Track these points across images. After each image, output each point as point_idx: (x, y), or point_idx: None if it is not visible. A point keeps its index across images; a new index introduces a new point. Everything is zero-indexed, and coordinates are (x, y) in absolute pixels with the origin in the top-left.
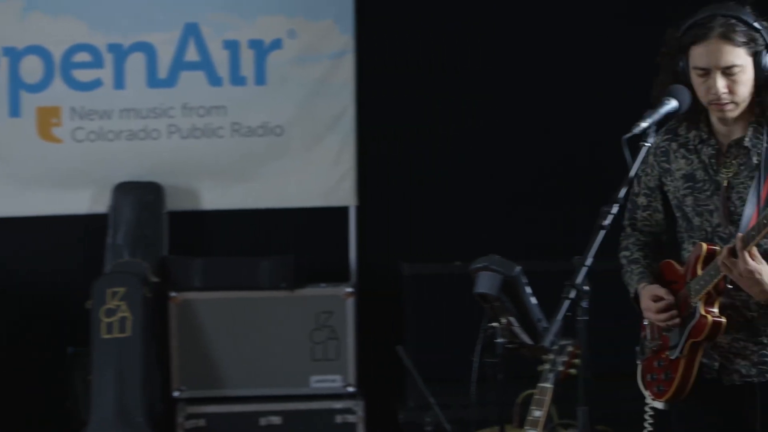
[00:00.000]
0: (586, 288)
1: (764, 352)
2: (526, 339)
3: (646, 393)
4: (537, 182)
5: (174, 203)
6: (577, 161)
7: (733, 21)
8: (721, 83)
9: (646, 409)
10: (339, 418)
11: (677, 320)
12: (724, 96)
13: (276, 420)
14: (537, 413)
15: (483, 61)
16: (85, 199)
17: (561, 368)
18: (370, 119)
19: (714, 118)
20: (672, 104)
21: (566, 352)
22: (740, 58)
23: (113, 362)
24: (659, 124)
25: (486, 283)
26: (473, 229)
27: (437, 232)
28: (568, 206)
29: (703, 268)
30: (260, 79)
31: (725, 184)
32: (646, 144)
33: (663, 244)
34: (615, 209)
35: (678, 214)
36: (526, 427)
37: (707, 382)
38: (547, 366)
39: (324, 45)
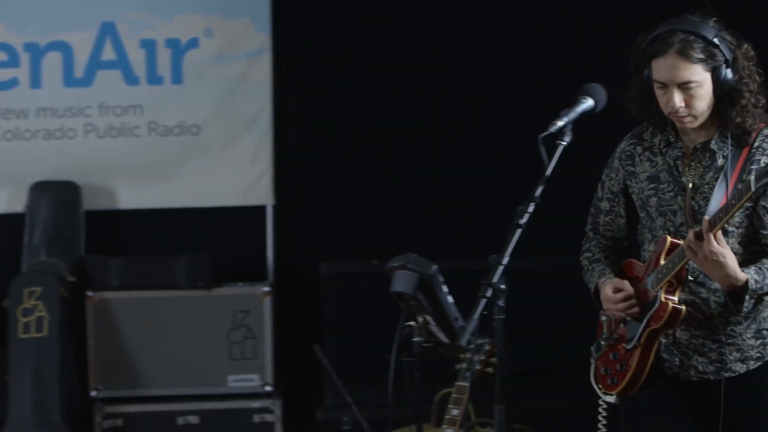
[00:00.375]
0: (503, 287)
1: (723, 350)
2: (443, 338)
3: (598, 388)
4: (454, 181)
5: (91, 202)
6: (494, 159)
7: (692, 38)
8: (678, 98)
9: (600, 402)
10: (257, 418)
11: (636, 309)
12: (681, 110)
13: (194, 419)
14: (454, 412)
15: (399, 59)
16: (2, 199)
17: (478, 367)
18: (287, 118)
19: (679, 126)
20: (588, 103)
21: (483, 350)
22: (697, 74)
23: (30, 362)
24: (576, 123)
25: (402, 281)
26: (390, 228)
27: (355, 231)
28: (484, 205)
29: (665, 260)
30: (177, 78)
31: (690, 185)
32: (562, 143)
33: (624, 249)
34: (531, 208)
35: (642, 214)
36: (443, 426)
37: (667, 376)
38: (464, 365)
39: (241, 44)
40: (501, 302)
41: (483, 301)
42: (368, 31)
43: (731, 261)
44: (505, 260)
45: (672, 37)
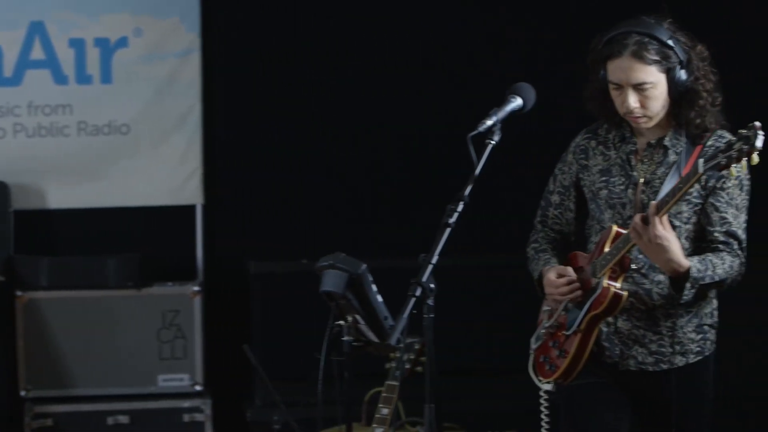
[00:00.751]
0: (432, 285)
1: (662, 342)
2: (372, 337)
3: (535, 377)
4: (383, 180)
5: (20, 202)
6: (423, 159)
7: (647, 39)
8: (632, 99)
9: (541, 393)
10: (187, 417)
11: (579, 293)
12: (636, 110)
13: (124, 419)
14: (384, 411)
15: (330, 59)
16: None
17: (408, 366)
18: (217, 118)
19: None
20: (517, 102)
21: (413, 349)
22: (651, 75)
23: None
24: (505, 122)
25: (332, 281)
26: (320, 228)
27: (284, 231)
28: (414, 204)
29: (610, 247)
30: (106, 77)
31: (642, 180)
32: (491, 142)
33: (571, 244)
34: (461, 207)
35: (592, 206)
36: (373, 425)
37: (607, 365)
38: (393, 364)
39: (170, 43)
40: (430, 301)
41: (412, 300)
42: (297, 29)
43: (675, 246)
44: (434, 259)
45: (627, 39)
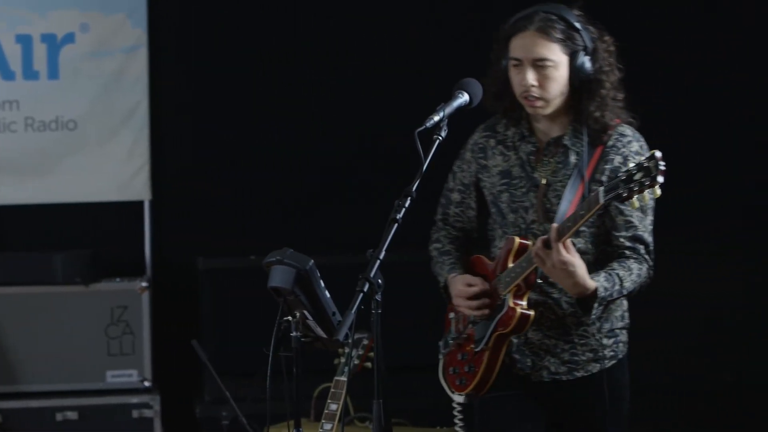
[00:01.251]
0: (380, 281)
1: (575, 350)
2: (320, 333)
3: (447, 387)
4: (331, 176)
5: None
6: (371, 155)
7: (554, 17)
8: (531, 75)
9: (454, 405)
10: (135, 413)
11: (486, 311)
12: (534, 89)
13: (72, 415)
14: (333, 406)
15: (279, 53)
16: None
17: (356, 361)
18: (164, 114)
19: (532, 118)
20: (464, 98)
21: (362, 345)
22: (554, 53)
23: None
24: (452, 117)
25: (279, 276)
26: (268, 224)
27: (232, 227)
28: (361, 200)
29: (513, 261)
30: (53, 73)
31: (543, 182)
32: (439, 137)
33: (473, 241)
34: (408, 203)
35: (493, 210)
36: (322, 421)
37: (519, 377)
38: (342, 359)
39: (117, 39)
40: (378, 296)
41: (360, 296)
42: (243, 23)
43: (580, 270)
44: (382, 254)
45: (534, 16)
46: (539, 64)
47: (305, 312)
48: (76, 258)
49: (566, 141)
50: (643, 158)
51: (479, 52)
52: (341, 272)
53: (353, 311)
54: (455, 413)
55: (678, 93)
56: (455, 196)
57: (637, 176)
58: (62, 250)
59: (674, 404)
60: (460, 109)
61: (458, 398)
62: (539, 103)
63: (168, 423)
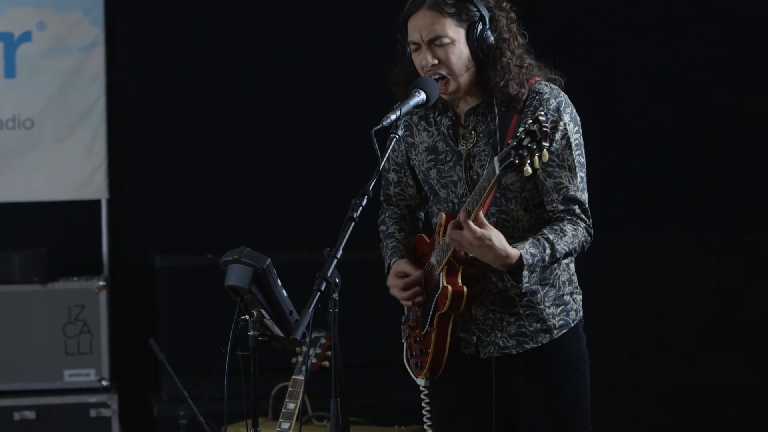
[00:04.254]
0: (337, 280)
1: (521, 323)
2: (278, 331)
3: (410, 370)
4: (287, 175)
5: None
6: (327, 153)
7: None
8: (429, 55)
9: (421, 388)
10: (93, 412)
11: (420, 298)
12: (436, 68)
13: (30, 415)
14: (291, 405)
15: (232, 53)
16: None
17: (314, 360)
18: (122, 112)
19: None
20: (420, 96)
21: (319, 344)
22: (449, 29)
23: None
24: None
25: (236, 275)
26: (225, 222)
27: (190, 225)
28: (318, 198)
29: (443, 238)
30: (10, 71)
31: (465, 153)
32: (396, 135)
33: (419, 218)
34: (365, 201)
35: (426, 188)
36: (280, 420)
37: (466, 357)
38: (299, 358)
39: (74, 37)
40: (335, 295)
41: (317, 295)
42: (199, 22)
43: (498, 242)
44: (339, 253)
45: None
46: (437, 43)
47: (262, 311)
48: (33, 257)
49: (483, 109)
50: (529, 121)
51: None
52: (298, 271)
53: (310, 310)
54: (422, 396)
55: (644, 90)
56: (392, 176)
57: (525, 141)
58: (19, 249)
59: (633, 402)
60: (417, 107)
61: (420, 381)
62: (451, 86)
63: (126, 422)
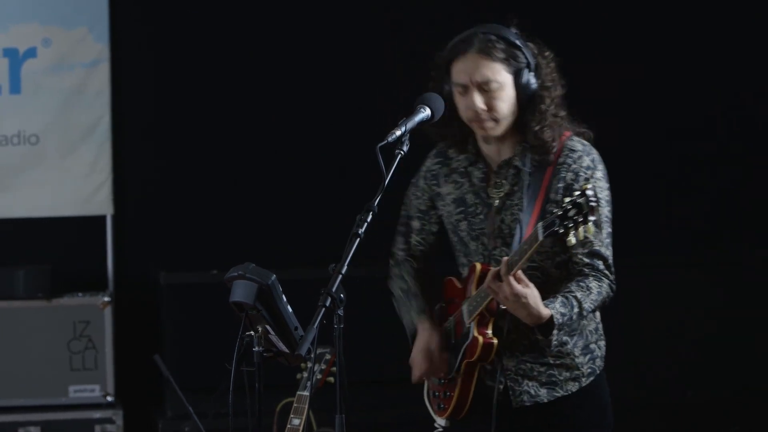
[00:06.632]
0: (342, 296)
1: (552, 372)
2: (283, 347)
3: (430, 409)
4: (293, 191)
5: None
6: (333, 169)
7: (494, 37)
8: (478, 99)
9: (436, 425)
10: (98, 428)
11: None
12: (483, 113)
13: (35, 430)
14: (295, 421)
15: (240, 69)
16: None
17: (319, 376)
18: (126, 128)
19: (481, 141)
20: (425, 113)
21: (324, 360)
22: (498, 74)
23: None
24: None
25: (241, 291)
26: (230, 238)
27: (194, 241)
28: (323, 214)
29: (477, 288)
30: (15, 87)
31: (497, 204)
32: (401, 152)
33: (433, 271)
34: (370, 217)
35: (454, 239)
36: None
37: (491, 403)
38: (304, 374)
39: (79, 53)
40: (340, 311)
41: (322, 310)
42: (206, 39)
43: (533, 300)
44: (344, 269)
45: (473, 38)
46: (485, 87)
47: (267, 327)
48: (38, 273)
49: (517, 162)
50: (576, 194)
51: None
52: (303, 287)
53: (315, 326)
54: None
55: (646, 107)
56: (415, 224)
57: (571, 213)
58: (24, 265)
59: (638, 417)
60: (422, 123)
61: (441, 421)
62: (490, 124)
63: None
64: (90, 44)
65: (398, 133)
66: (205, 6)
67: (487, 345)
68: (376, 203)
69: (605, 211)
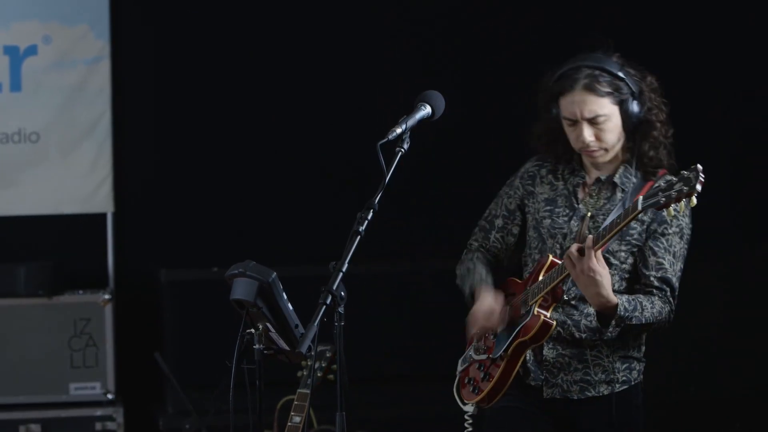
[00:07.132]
0: (342, 293)
1: (587, 370)
2: (283, 345)
3: (459, 398)
4: (293, 188)
5: None
6: (333, 166)
7: (598, 72)
8: (587, 132)
9: (466, 417)
10: (99, 425)
11: (496, 328)
12: (592, 143)
13: (35, 428)
14: (296, 419)
15: (241, 66)
16: None
17: (320, 374)
18: (127, 126)
19: (586, 160)
20: (426, 110)
21: (325, 357)
22: (605, 107)
23: None
24: (414, 130)
25: (242, 289)
26: (231, 236)
27: (195, 239)
28: (324, 212)
29: (544, 276)
30: (16, 85)
31: (588, 214)
32: (401, 149)
33: (501, 270)
34: (370, 215)
35: (534, 234)
36: None
37: (530, 389)
38: (305, 372)
39: (79, 51)
40: (341, 309)
41: (323, 308)
42: (207, 36)
43: (606, 281)
44: (345, 267)
45: (578, 74)
46: (593, 121)
47: (268, 324)
48: (39, 270)
49: (616, 179)
50: (684, 171)
51: (436, 65)
52: (304, 285)
53: (316, 324)
54: (466, 425)
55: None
56: (498, 222)
57: (677, 185)
58: (25, 262)
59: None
60: (423, 121)
61: (469, 409)
62: (599, 153)
63: None
64: (91, 41)
65: (399, 130)
66: (206, 4)
67: (546, 324)
68: (376, 201)
69: (683, 246)
